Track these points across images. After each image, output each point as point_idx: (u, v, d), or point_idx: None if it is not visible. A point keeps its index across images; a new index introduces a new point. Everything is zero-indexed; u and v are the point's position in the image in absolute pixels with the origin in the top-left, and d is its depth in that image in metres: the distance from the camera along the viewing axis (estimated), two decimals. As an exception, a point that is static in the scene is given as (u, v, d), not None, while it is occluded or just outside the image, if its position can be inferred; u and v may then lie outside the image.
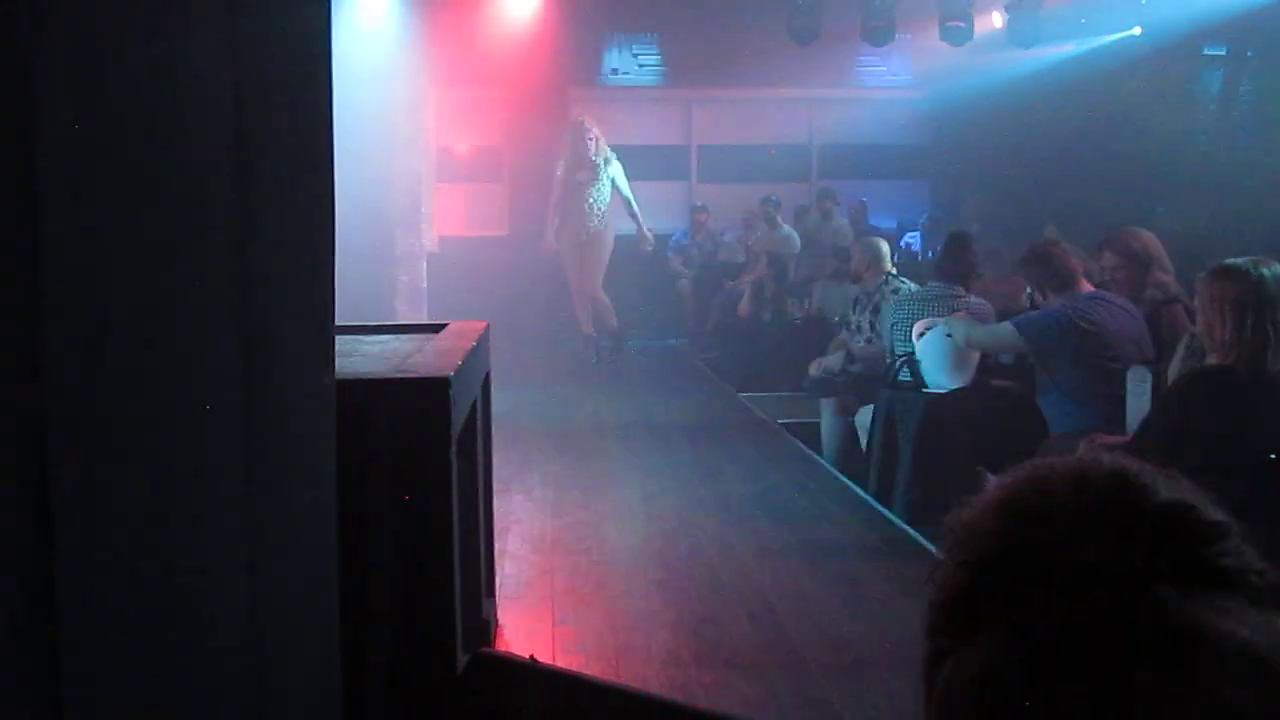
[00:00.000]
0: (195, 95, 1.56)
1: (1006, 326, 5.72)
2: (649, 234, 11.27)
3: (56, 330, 1.39)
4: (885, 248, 8.09)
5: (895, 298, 7.29)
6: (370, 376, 2.71)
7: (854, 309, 8.04)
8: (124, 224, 1.47)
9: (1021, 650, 0.82)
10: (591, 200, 10.67)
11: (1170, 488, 0.87)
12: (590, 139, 10.61)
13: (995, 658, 0.83)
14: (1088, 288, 5.48)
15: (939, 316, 6.41)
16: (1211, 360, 4.05)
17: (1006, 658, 0.82)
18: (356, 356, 3.09)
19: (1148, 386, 4.78)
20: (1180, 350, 4.68)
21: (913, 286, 7.48)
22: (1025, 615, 0.82)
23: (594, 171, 10.65)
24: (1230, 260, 4.00)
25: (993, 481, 0.91)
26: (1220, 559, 0.83)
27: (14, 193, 1.34)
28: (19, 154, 1.34)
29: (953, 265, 6.77)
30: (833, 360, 7.91)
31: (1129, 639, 0.79)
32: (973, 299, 6.57)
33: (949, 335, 6.14)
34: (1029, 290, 5.63)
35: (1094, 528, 0.84)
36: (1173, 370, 4.67)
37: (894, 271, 7.93)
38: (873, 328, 7.56)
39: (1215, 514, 0.86)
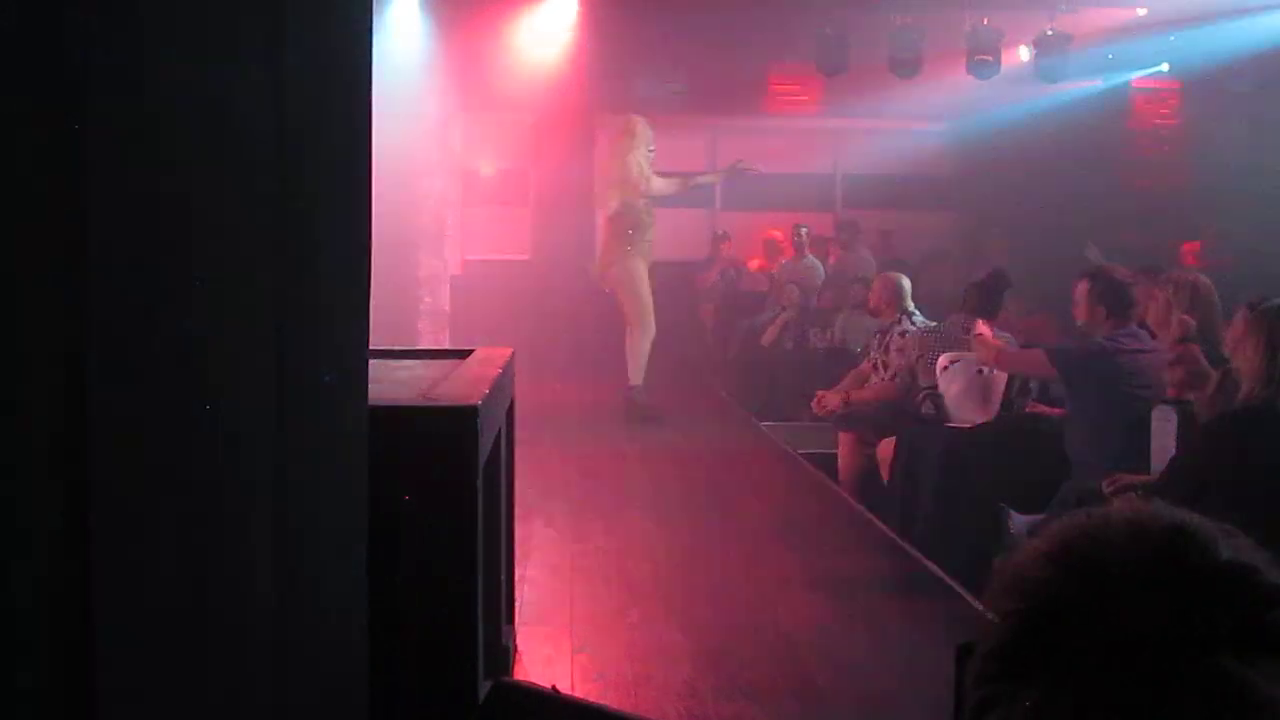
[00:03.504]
0: (240, 129, 1.58)
1: (1038, 352, 5.70)
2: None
3: (100, 355, 1.41)
4: (907, 284, 8.05)
5: (916, 330, 7.27)
6: (398, 404, 2.72)
7: (875, 344, 8.01)
8: (169, 253, 1.49)
9: (1075, 707, 0.81)
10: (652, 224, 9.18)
11: (1230, 546, 0.85)
12: (652, 149, 9.00)
13: (1046, 711, 0.82)
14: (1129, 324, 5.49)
15: (962, 350, 6.40)
16: (1245, 397, 4.03)
17: (1057, 712, 0.81)
18: (384, 383, 3.10)
19: (1173, 426, 4.76)
20: (1211, 388, 4.67)
21: (928, 322, 7.45)
22: (1080, 671, 0.81)
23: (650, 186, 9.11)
24: (1276, 299, 4.03)
25: (1046, 528, 0.91)
26: None
27: (63, 224, 1.36)
28: (70, 184, 1.36)
29: (982, 301, 6.75)
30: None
31: (1187, 705, 0.78)
32: (997, 333, 6.56)
33: (979, 357, 6.08)
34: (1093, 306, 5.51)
35: (1153, 586, 0.83)
36: (1202, 409, 4.65)
37: (911, 308, 7.89)
38: (885, 366, 7.53)
39: (1277, 576, 0.85)
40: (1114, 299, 5.42)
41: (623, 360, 9.40)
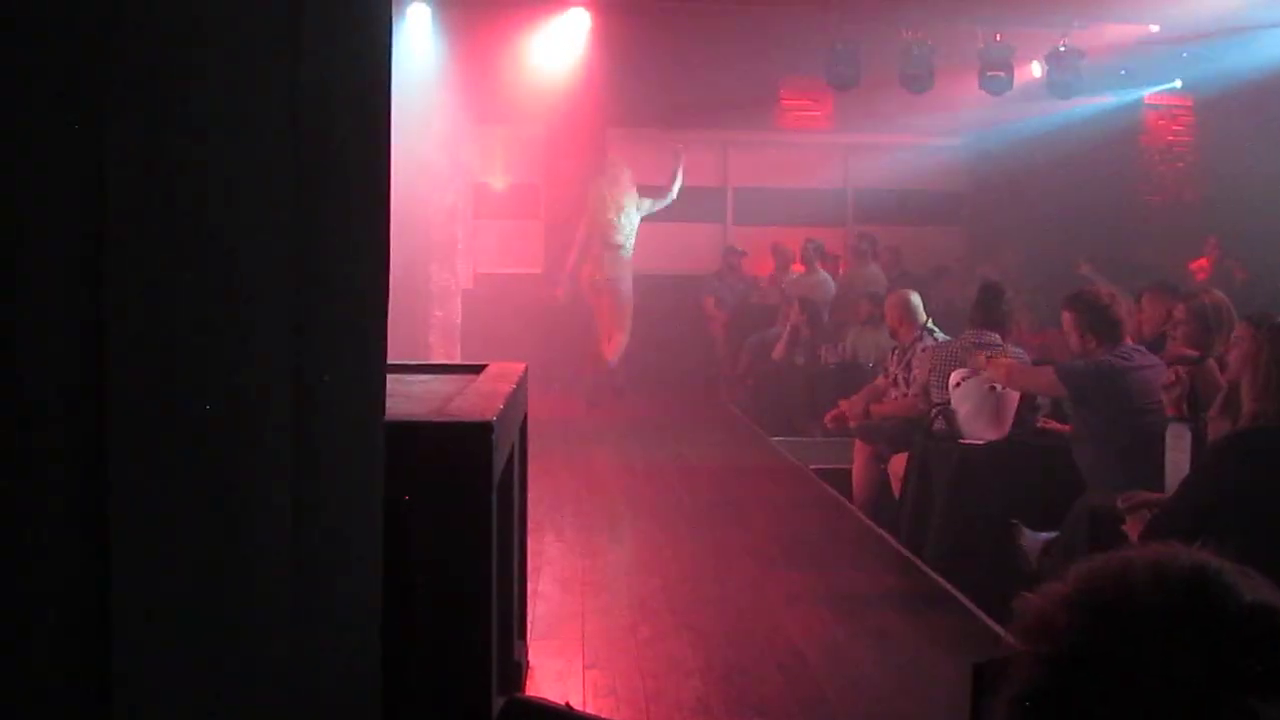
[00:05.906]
0: (258, 143, 1.58)
1: (1048, 370, 5.69)
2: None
3: (119, 370, 1.42)
4: (918, 300, 8.03)
5: (931, 346, 7.25)
6: (413, 419, 2.73)
7: (893, 361, 7.99)
8: (187, 268, 1.50)
9: None
10: None
11: (1251, 587, 0.86)
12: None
13: None
14: (1129, 341, 5.47)
15: (974, 366, 6.39)
16: (1250, 414, 4.02)
17: None
18: (399, 397, 3.11)
19: (1186, 444, 4.74)
20: (1218, 405, 4.66)
21: (945, 337, 7.43)
22: (1114, 716, 0.82)
23: None
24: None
25: (1067, 570, 0.90)
26: None
27: (82, 230, 1.37)
28: (88, 192, 1.37)
29: (986, 314, 6.74)
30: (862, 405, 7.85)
31: None
32: (1011, 348, 6.54)
33: (990, 375, 6.09)
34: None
35: (1178, 631, 0.83)
36: (1210, 427, 4.64)
37: (929, 324, 7.87)
38: (907, 383, 7.51)
39: None
40: (1100, 324, 5.41)
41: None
